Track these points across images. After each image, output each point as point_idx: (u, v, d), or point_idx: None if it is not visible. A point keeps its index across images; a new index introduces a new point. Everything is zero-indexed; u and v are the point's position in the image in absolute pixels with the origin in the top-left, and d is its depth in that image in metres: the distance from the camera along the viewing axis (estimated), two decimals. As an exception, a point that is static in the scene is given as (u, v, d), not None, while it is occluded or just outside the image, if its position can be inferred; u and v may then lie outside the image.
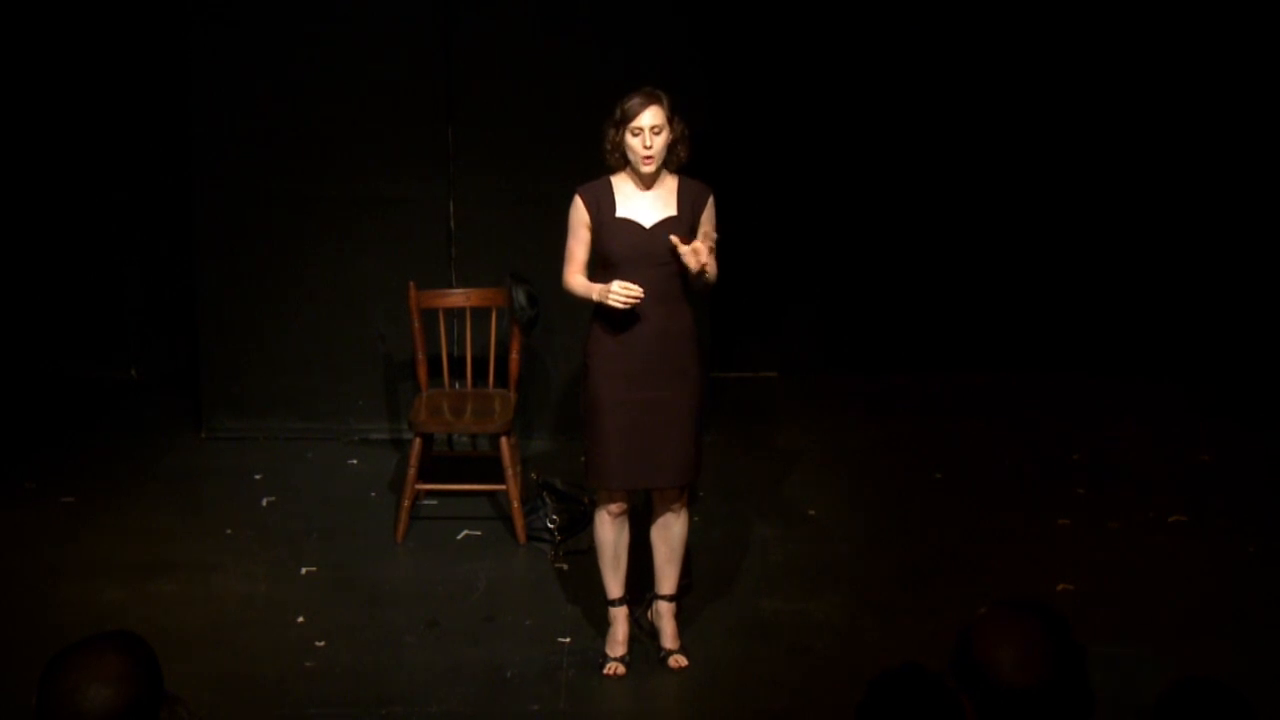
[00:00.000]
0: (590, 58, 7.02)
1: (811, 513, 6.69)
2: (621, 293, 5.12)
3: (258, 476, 7.01)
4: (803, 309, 8.16)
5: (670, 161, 5.23)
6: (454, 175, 7.18)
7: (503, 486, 6.40)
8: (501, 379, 6.75)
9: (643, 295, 5.14)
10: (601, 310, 5.25)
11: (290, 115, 7.13)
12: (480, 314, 6.83)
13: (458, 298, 6.75)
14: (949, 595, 5.87)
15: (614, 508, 5.41)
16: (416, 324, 6.61)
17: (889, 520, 6.60)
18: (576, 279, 5.30)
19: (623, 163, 5.22)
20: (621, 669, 5.48)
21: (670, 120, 5.17)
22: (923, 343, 8.16)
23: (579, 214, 5.27)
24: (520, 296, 6.47)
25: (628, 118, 5.13)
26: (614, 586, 5.51)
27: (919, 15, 7.81)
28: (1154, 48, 7.84)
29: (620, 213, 5.22)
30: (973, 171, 7.98)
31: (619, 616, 5.53)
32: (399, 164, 7.17)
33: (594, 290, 5.20)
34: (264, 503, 6.78)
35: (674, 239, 5.15)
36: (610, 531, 5.44)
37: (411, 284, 6.61)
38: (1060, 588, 5.95)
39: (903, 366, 8.12)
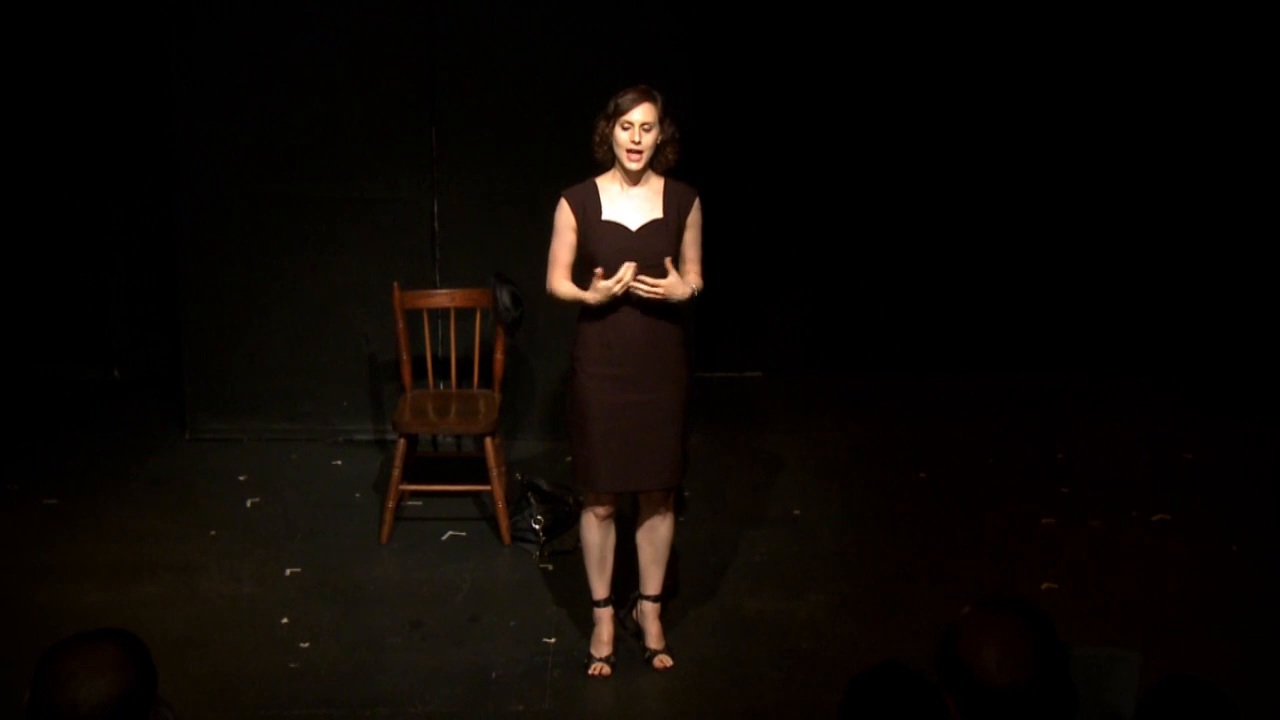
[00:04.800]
0: (575, 59, 7.02)
1: (796, 513, 6.69)
2: (607, 285, 5.11)
3: (242, 477, 7.00)
4: (787, 309, 8.16)
5: (658, 163, 5.23)
6: (438, 176, 7.18)
7: (487, 487, 6.40)
8: (486, 379, 6.74)
9: (626, 279, 5.11)
10: (589, 313, 5.25)
11: (274, 116, 7.12)
12: (464, 315, 6.82)
13: (442, 298, 6.74)
14: (933, 595, 5.88)
15: (601, 510, 5.41)
16: (401, 325, 6.60)
17: (873, 520, 6.61)
18: (563, 284, 5.29)
19: (610, 157, 5.21)
20: (606, 669, 5.48)
21: (661, 120, 5.17)
22: (907, 343, 8.17)
23: (565, 217, 5.26)
24: (504, 297, 6.47)
25: (620, 111, 5.12)
26: (599, 588, 5.52)
27: (907, 12, 7.81)
28: (1143, 47, 7.86)
29: (606, 215, 5.22)
30: (955, 172, 7.99)
31: (604, 617, 5.53)
32: (383, 165, 7.16)
33: (586, 296, 5.20)
34: (248, 504, 6.77)
35: (668, 264, 5.16)
36: (597, 534, 5.44)
37: (396, 284, 6.61)
38: (1044, 587, 5.96)
39: (887, 366, 8.13)
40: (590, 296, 5.18)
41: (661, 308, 5.23)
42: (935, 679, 2.75)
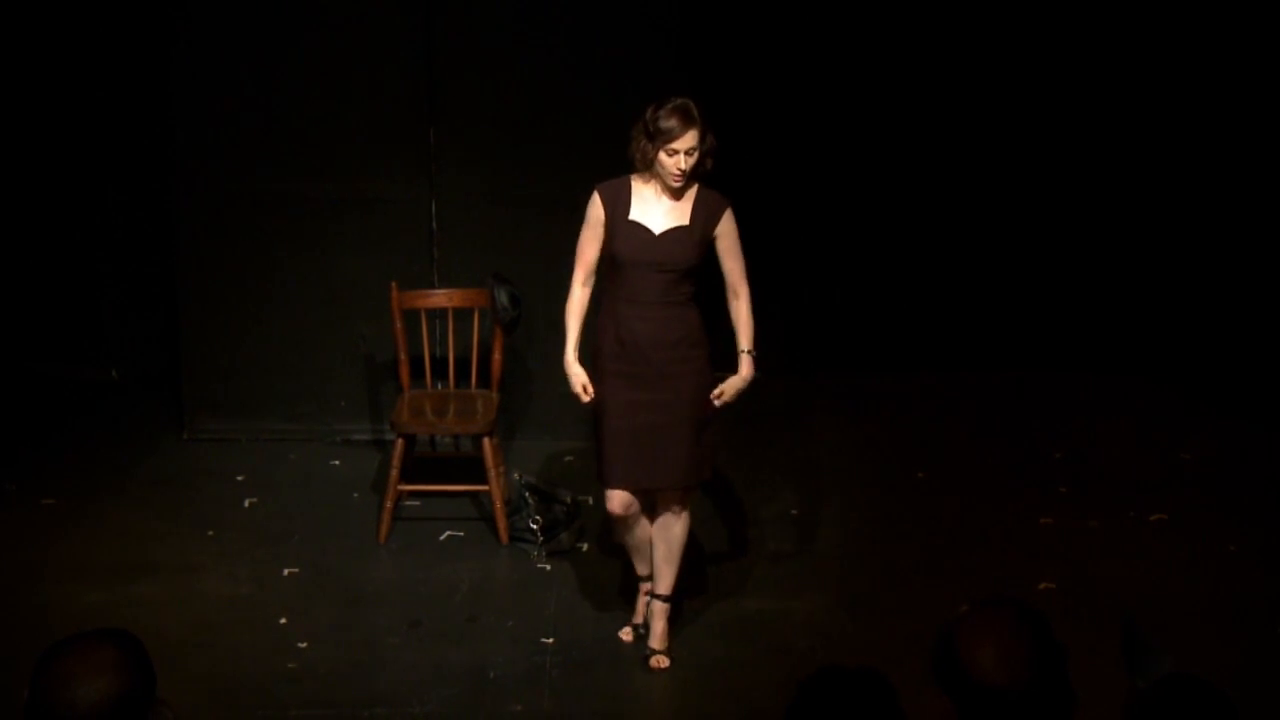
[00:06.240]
0: (572, 59, 7.00)
1: (794, 512, 6.69)
2: (577, 391, 5.33)
3: (240, 478, 6.99)
4: (786, 310, 8.14)
5: (694, 171, 5.22)
6: (436, 176, 7.17)
7: (485, 487, 6.40)
8: (484, 379, 6.74)
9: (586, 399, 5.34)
10: (607, 311, 5.30)
11: (272, 115, 7.11)
12: (462, 314, 6.82)
13: (440, 298, 6.74)
14: (931, 594, 5.88)
15: (621, 511, 5.40)
16: (398, 324, 6.60)
17: (872, 519, 6.61)
18: (572, 308, 5.34)
19: (648, 167, 5.20)
20: (630, 635, 5.64)
21: (703, 138, 5.15)
22: (905, 342, 8.16)
23: (595, 210, 5.27)
24: (502, 297, 6.47)
25: (666, 138, 5.09)
26: (641, 567, 5.63)
27: (907, 12, 7.81)
28: (1143, 47, 7.85)
29: (633, 215, 5.23)
30: (955, 173, 7.99)
31: (641, 589, 5.68)
32: (381, 164, 7.16)
33: (567, 358, 5.32)
34: (246, 504, 6.76)
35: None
36: (623, 536, 5.57)
37: (393, 284, 6.60)
38: (1042, 586, 5.96)
39: (885, 366, 8.13)
40: (569, 369, 5.33)
41: (677, 310, 5.27)
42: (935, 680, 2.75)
